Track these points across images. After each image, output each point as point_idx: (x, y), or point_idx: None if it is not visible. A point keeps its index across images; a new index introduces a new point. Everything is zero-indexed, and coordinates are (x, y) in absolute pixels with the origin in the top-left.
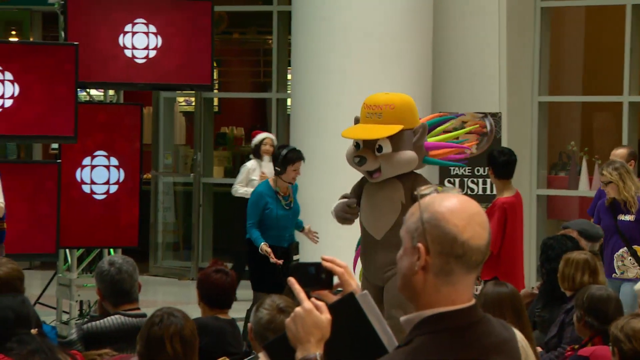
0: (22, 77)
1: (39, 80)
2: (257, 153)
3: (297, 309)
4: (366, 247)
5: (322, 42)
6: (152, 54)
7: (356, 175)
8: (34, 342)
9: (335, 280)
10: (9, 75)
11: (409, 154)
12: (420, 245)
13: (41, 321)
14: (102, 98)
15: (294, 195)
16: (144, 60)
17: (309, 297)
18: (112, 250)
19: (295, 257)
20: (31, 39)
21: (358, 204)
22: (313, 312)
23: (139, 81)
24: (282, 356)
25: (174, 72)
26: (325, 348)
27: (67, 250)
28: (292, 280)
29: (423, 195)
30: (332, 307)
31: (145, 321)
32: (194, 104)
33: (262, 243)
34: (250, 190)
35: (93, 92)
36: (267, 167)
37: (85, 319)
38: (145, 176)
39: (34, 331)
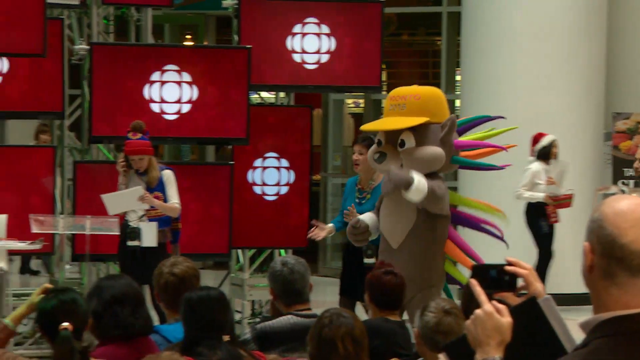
0: (197, 81)
1: (213, 83)
2: (545, 156)
3: (478, 311)
4: (384, 256)
5: (492, 42)
6: (324, 56)
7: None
8: (223, 350)
9: (520, 282)
10: (187, 78)
11: (434, 150)
12: (586, 244)
13: (234, 326)
14: (273, 100)
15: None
16: (315, 63)
17: (490, 299)
18: (282, 250)
19: (367, 261)
20: (205, 43)
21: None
22: (493, 315)
23: (310, 83)
24: (462, 357)
25: (344, 74)
26: (505, 351)
27: (240, 251)
28: (473, 281)
29: (606, 195)
30: (513, 311)
31: (314, 322)
32: (362, 105)
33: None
34: (536, 194)
35: (264, 94)
36: (554, 171)
37: (258, 319)
38: (314, 177)
39: (225, 337)
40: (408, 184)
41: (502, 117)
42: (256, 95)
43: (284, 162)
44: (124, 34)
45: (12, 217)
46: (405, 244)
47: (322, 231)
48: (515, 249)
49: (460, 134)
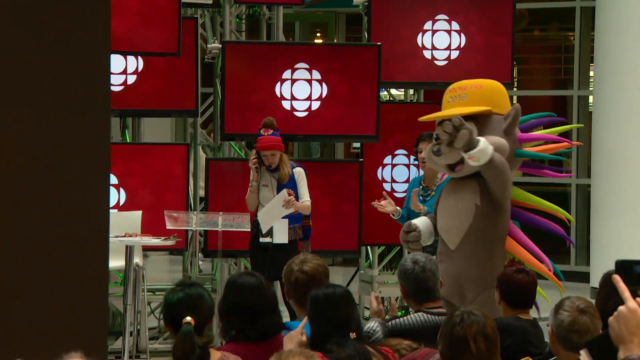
0: (327, 78)
1: (343, 80)
2: None
3: (621, 308)
4: (442, 258)
5: (628, 37)
6: (454, 53)
7: None
8: (351, 347)
9: None
10: (316, 76)
11: (498, 140)
12: None
13: (361, 323)
14: (402, 97)
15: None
16: (444, 60)
17: (634, 296)
18: None
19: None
20: (335, 41)
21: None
22: (637, 312)
23: (440, 80)
24: (604, 355)
25: (474, 70)
26: None
27: (369, 247)
28: (616, 277)
29: None
30: None
31: (444, 320)
32: None
33: None
34: None
35: (393, 91)
36: None
37: (387, 316)
38: None
39: (352, 334)
40: (472, 143)
41: (563, 119)
42: (385, 93)
43: (414, 159)
44: (255, 33)
45: (146, 213)
46: (463, 244)
47: (387, 206)
48: None
49: (522, 132)
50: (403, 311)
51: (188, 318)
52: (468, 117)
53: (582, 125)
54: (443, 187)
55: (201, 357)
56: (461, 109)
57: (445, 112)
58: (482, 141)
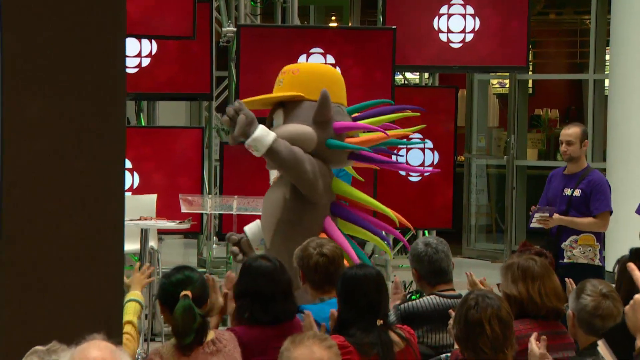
0: (342, 62)
1: (358, 64)
2: None
3: (637, 296)
4: None
5: None
6: (469, 36)
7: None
8: (374, 334)
9: None
10: (331, 60)
11: (297, 127)
12: None
13: (388, 311)
14: (417, 81)
15: None
16: (459, 43)
17: None
18: (426, 231)
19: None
20: (350, 24)
21: None
22: None
23: (454, 64)
24: (622, 344)
25: (489, 54)
26: None
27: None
28: (631, 266)
29: None
30: None
31: (459, 304)
32: (507, 86)
33: None
34: None
35: (408, 75)
36: None
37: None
38: (458, 158)
39: (379, 321)
40: (247, 131)
41: (402, 106)
42: (400, 77)
43: (429, 143)
44: (270, 16)
45: (161, 196)
46: (274, 239)
47: None
48: None
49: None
50: (418, 295)
51: (184, 292)
52: (280, 103)
53: (418, 113)
54: None
55: (202, 325)
56: (274, 95)
57: (259, 97)
58: (260, 129)
